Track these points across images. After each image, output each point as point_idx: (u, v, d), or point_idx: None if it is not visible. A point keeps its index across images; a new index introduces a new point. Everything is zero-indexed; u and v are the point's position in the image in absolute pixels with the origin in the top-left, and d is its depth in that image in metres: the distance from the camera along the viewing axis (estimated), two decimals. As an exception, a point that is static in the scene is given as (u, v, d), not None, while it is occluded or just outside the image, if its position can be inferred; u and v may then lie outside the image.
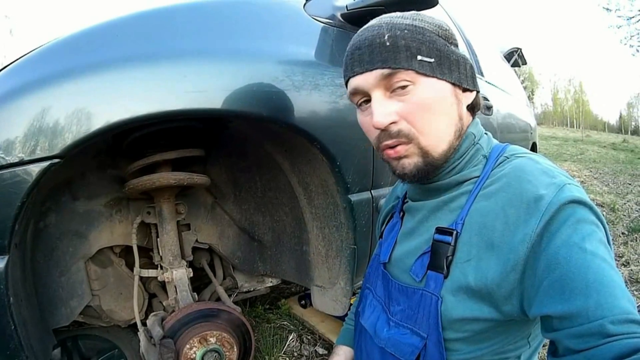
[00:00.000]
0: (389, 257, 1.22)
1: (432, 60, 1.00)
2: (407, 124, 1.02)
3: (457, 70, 1.05)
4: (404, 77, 0.99)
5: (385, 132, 1.04)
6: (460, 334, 1.00)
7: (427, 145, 1.03)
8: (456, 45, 1.08)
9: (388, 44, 0.99)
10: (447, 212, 1.08)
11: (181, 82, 1.32)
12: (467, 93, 1.09)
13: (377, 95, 1.03)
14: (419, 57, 0.99)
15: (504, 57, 5.92)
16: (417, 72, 0.99)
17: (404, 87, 1.00)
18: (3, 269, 1.16)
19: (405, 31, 1.00)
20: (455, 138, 1.06)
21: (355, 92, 1.08)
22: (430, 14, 1.10)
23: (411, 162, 1.05)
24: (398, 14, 1.06)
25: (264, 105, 1.46)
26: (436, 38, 1.02)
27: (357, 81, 1.05)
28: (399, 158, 1.06)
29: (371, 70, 1.01)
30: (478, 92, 1.14)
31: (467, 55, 1.10)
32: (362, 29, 1.08)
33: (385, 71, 0.99)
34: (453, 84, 1.04)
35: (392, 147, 1.05)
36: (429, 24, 1.03)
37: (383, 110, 1.01)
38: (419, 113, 1.01)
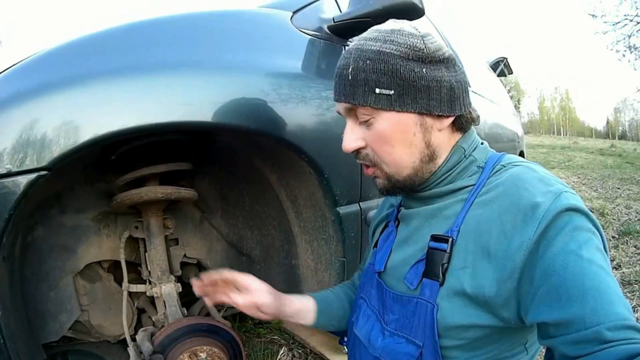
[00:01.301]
0: (384, 266, 1.22)
1: (392, 92, 1.00)
2: (372, 151, 1.09)
3: (427, 97, 1.02)
4: (362, 111, 1.05)
5: (356, 154, 1.13)
6: (457, 341, 1.00)
7: (389, 171, 1.10)
8: (439, 62, 1.03)
9: (350, 77, 1.03)
10: (441, 219, 1.08)
11: (169, 95, 1.33)
12: (443, 118, 1.06)
13: (350, 122, 1.11)
14: (377, 90, 1.00)
15: (490, 67, 5.96)
16: (373, 108, 1.02)
17: (366, 120, 1.05)
18: (-9, 281, 1.16)
19: (368, 62, 1.00)
20: (424, 162, 1.08)
21: (340, 114, 1.14)
22: (417, 25, 1.09)
23: (380, 181, 1.15)
24: (374, 32, 1.06)
25: (251, 118, 1.47)
26: (402, 64, 1.00)
27: (337, 106, 1.13)
28: (373, 177, 1.16)
29: (339, 102, 1.09)
30: (461, 115, 1.09)
31: (454, 75, 1.05)
32: (345, 51, 1.12)
33: (347, 105, 1.06)
34: (419, 113, 1.03)
35: (365, 166, 1.14)
36: (399, 47, 1.01)
37: (350, 137, 1.10)
38: (377, 144, 1.07)
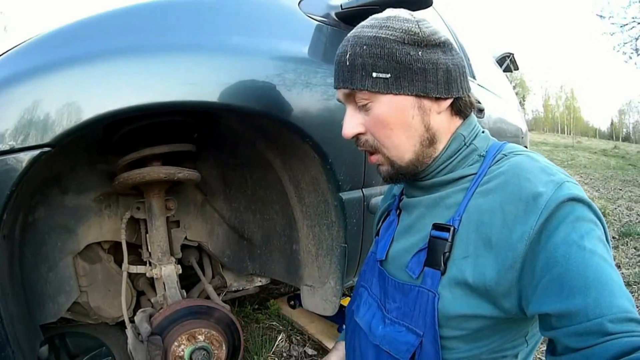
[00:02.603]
0: (385, 254, 1.22)
1: (389, 75, 1.01)
2: (372, 137, 1.09)
3: (423, 79, 1.02)
4: (360, 96, 1.05)
5: (356, 140, 1.13)
6: (458, 332, 1.00)
7: (391, 156, 1.09)
8: (435, 46, 1.03)
9: (348, 63, 1.03)
10: (443, 208, 1.08)
11: (173, 75, 1.33)
12: (441, 101, 1.06)
13: (349, 109, 1.11)
14: (374, 75, 1.01)
15: (496, 61, 5.93)
16: (370, 92, 1.03)
17: (364, 104, 1.05)
18: (-10, 257, 1.16)
19: (364, 47, 1.01)
20: (424, 147, 1.08)
21: (341, 102, 1.14)
22: (423, 16, 1.09)
23: (383, 169, 1.14)
24: (371, 20, 1.07)
25: (257, 100, 1.47)
26: (398, 48, 1.00)
27: (337, 94, 1.14)
28: (377, 164, 1.15)
29: (339, 88, 1.10)
30: (459, 97, 1.09)
31: (450, 59, 1.05)
32: (343, 39, 1.10)
33: (346, 91, 1.07)
34: (416, 96, 1.03)
35: (369, 153, 1.14)
36: (394, 32, 1.01)
37: (350, 122, 1.10)
38: (377, 128, 1.07)
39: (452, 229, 1.01)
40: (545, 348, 0.93)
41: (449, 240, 1.00)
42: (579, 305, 0.80)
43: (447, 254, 1.00)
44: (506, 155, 1.04)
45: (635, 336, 0.75)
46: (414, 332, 1.04)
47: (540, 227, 0.87)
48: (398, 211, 1.28)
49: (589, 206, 0.90)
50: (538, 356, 2.74)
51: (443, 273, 1.00)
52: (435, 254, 1.02)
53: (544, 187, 0.90)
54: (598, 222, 0.90)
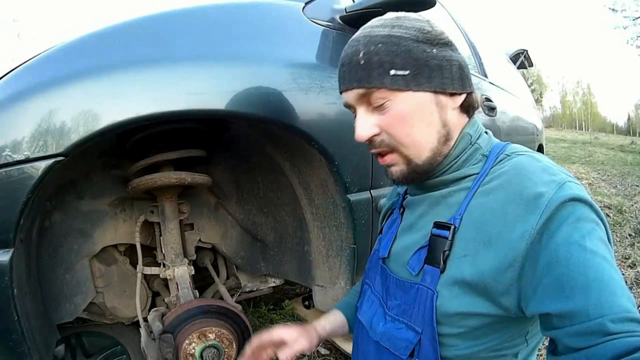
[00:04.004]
0: (388, 252, 1.22)
1: (407, 72, 1.00)
2: (388, 136, 1.05)
3: (440, 76, 1.03)
4: (378, 95, 1.02)
5: (370, 142, 1.09)
6: (456, 329, 1.00)
7: (409, 154, 1.05)
8: (445, 44, 1.05)
9: (362, 62, 1.01)
10: (445, 207, 1.08)
11: (182, 84, 1.36)
12: (455, 97, 1.08)
13: (361, 111, 1.07)
14: (392, 72, 1.00)
15: (510, 59, 5.89)
16: (390, 89, 1.01)
17: (381, 104, 1.03)
18: (8, 261, 1.20)
19: (380, 45, 1.00)
20: (440, 144, 1.06)
21: (347, 106, 1.12)
22: (432, 16, 1.11)
23: (397, 169, 1.09)
24: (379, 21, 1.07)
25: (262, 106, 1.49)
26: (414, 46, 1.01)
27: (345, 97, 1.10)
28: (388, 166, 1.11)
29: (350, 89, 1.05)
30: (470, 92, 1.11)
31: (459, 56, 1.07)
32: (349, 40, 1.10)
33: (361, 91, 1.03)
34: (434, 92, 1.04)
35: (380, 155, 1.10)
36: (407, 30, 1.02)
37: (364, 124, 1.06)
38: (395, 126, 1.03)
39: (452, 227, 1.01)
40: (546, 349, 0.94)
41: (449, 238, 1.00)
42: (580, 305, 0.80)
43: (447, 252, 1.00)
44: (509, 156, 1.05)
45: (636, 336, 0.75)
46: (413, 329, 1.05)
47: (542, 227, 0.87)
48: (401, 209, 1.28)
49: (591, 206, 0.90)
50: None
51: (442, 271, 1.00)
52: (435, 252, 1.03)
53: (546, 187, 0.90)
54: (600, 222, 0.90)
